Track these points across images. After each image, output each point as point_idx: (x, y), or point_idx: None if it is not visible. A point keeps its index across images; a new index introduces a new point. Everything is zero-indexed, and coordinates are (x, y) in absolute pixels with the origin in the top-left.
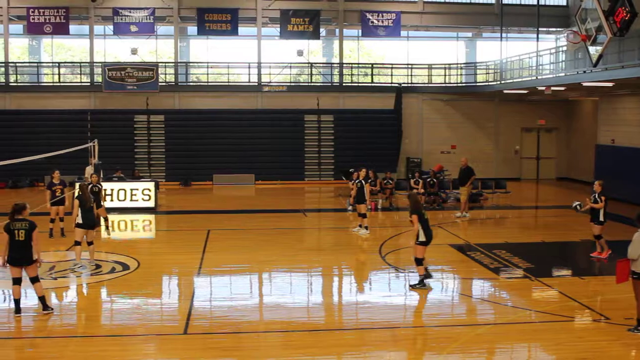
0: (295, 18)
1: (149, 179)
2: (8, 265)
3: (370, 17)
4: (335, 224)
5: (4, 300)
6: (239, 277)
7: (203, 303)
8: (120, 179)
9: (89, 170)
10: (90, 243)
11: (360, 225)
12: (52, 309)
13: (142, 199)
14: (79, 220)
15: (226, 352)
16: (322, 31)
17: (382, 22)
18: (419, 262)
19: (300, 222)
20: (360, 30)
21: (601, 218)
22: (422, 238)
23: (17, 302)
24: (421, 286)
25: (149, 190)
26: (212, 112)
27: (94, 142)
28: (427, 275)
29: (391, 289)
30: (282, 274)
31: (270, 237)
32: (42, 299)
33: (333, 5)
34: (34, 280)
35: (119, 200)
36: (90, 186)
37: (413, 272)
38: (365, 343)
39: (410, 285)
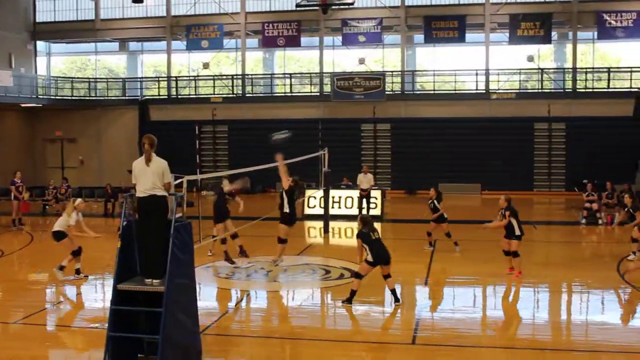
0: (525, 22)
1: (375, 187)
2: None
3: (608, 18)
4: (567, 237)
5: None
6: (464, 289)
7: (428, 313)
8: (348, 187)
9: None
10: None
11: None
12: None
13: (369, 207)
14: None
15: None
16: (554, 35)
17: (621, 22)
18: None
19: (529, 235)
20: (595, 33)
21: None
22: None
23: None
24: None
25: (376, 198)
26: (438, 120)
27: (324, 151)
28: None
29: (630, 309)
30: (508, 288)
31: (497, 249)
32: (393, 292)
33: (566, 7)
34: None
35: (346, 208)
36: None
37: None
38: None
39: None
